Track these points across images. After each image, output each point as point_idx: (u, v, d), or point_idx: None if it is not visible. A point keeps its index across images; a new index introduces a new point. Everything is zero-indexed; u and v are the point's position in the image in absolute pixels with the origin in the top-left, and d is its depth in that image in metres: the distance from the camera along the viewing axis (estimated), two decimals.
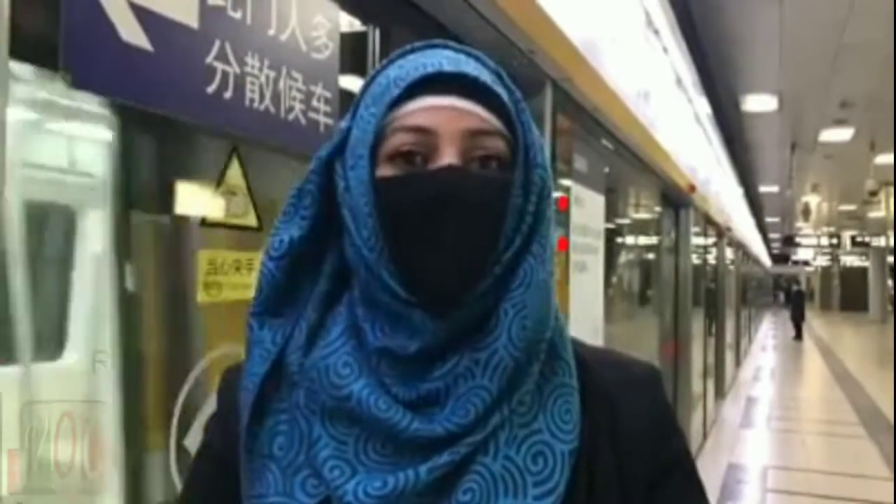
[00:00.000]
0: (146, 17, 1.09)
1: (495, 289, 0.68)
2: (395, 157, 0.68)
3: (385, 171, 0.68)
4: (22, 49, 0.93)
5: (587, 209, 3.31)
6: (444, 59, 0.70)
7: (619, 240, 5.14)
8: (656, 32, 4.55)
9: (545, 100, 2.61)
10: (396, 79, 0.69)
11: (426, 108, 0.68)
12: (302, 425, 0.70)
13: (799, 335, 22.05)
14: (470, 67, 0.70)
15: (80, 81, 0.98)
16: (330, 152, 0.72)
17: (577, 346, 0.78)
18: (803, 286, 34.14)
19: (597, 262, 3.49)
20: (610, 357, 0.81)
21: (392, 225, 0.67)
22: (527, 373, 0.69)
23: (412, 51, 0.73)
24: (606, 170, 3.89)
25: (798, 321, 22.48)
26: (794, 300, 23.78)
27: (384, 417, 0.65)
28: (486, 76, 0.70)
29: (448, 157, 0.67)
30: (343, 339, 0.70)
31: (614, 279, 4.95)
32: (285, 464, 0.69)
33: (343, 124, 0.73)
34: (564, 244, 2.93)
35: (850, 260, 38.80)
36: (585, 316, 3.21)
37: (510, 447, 0.67)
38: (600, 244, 3.57)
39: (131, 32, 1.06)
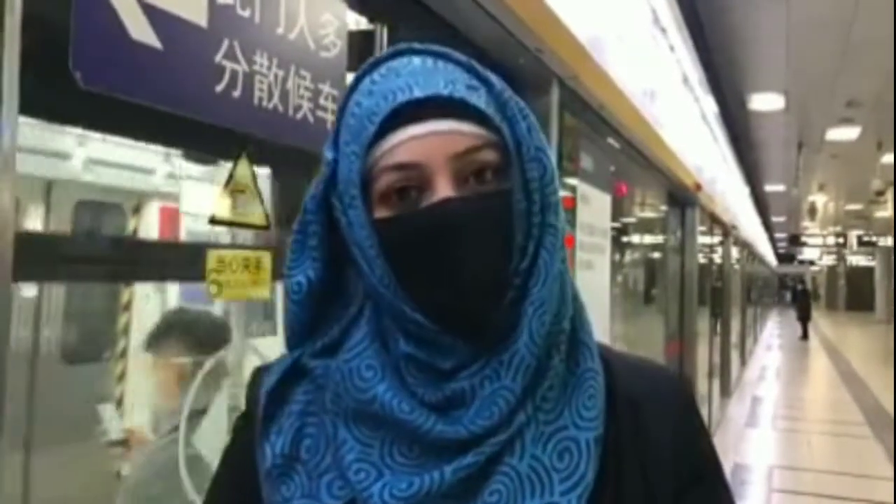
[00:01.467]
0: (156, 16, 1.09)
1: (518, 295, 0.67)
2: (388, 196, 0.67)
3: (382, 211, 0.68)
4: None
5: (593, 208, 3.30)
6: (412, 79, 0.67)
7: (625, 238, 5.13)
8: (663, 31, 4.55)
9: (552, 98, 2.61)
10: (369, 113, 0.67)
11: (407, 141, 0.66)
12: (328, 428, 0.70)
13: (805, 335, 22.01)
14: (440, 82, 0.67)
15: (90, 80, 0.98)
16: (322, 188, 0.71)
17: (602, 349, 0.77)
18: (809, 286, 34.06)
19: (603, 261, 3.49)
20: (635, 362, 0.80)
21: (401, 266, 0.67)
22: (548, 367, 0.68)
23: (378, 64, 0.71)
24: (612, 168, 3.89)
25: (804, 321, 22.46)
26: (799, 300, 23.74)
27: (408, 420, 0.66)
28: (459, 84, 0.68)
29: (441, 188, 0.66)
30: (366, 342, 0.70)
31: (620, 278, 4.94)
32: (311, 466, 0.70)
33: (328, 154, 0.71)
34: (571, 241, 2.92)
35: (857, 259, 38.68)
36: (592, 315, 3.19)
37: (536, 446, 0.67)
38: (607, 243, 3.56)
39: (141, 31, 1.07)
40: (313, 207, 0.71)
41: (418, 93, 0.66)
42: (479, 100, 0.68)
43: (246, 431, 0.77)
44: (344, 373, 0.69)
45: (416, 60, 0.70)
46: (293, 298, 0.73)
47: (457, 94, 0.67)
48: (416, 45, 0.72)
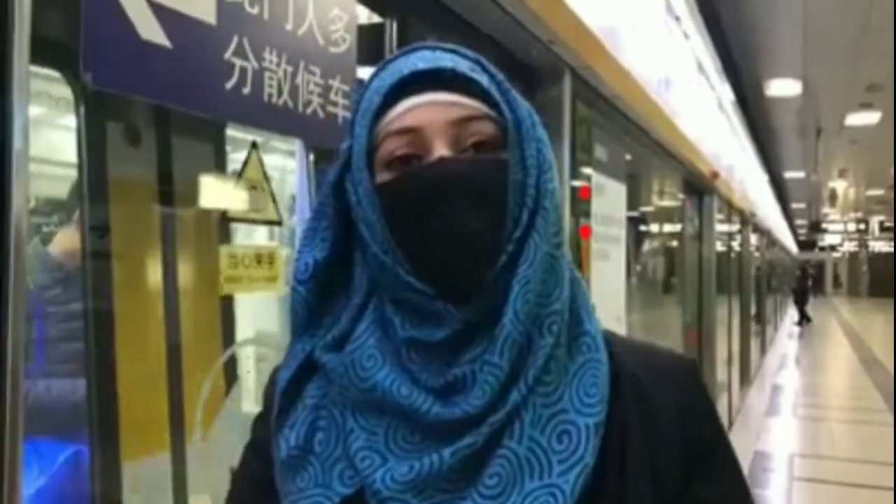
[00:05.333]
0: (165, 15, 1.10)
1: (509, 270, 0.68)
2: (391, 163, 0.70)
3: (384, 177, 0.70)
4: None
5: (608, 198, 3.29)
6: (419, 59, 0.72)
7: (642, 227, 5.11)
8: (677, 19, 4.51)
9: (564, 88, 2.60)
10: (377, 89, 0.71)
11: (409, 109, 0.70)
12: (338, 420, 0.72)
13: (801, 320, 21.43)
14: (446, 61, 0.71)
15: (100, 79, 1.00)
16: (338, 173, 0.74)
17: (609, 334, 0.78)
18: (819, 271, 33.54)
19: (619, 252, 3.48)
20: (642, 347, 0.81)
21: (399, 225, 0.69)
22: (538, 346, 0.69)
23: (392, 59, 0.75)
24: (628, 157, 3.87)
25: (801, 304, 21.93)
26: (798, 283, 23.23)
27: (406, 403, 0.67)
28: (463, 66, 0.71)
29: (439, 150, 0.69)
30: (368, 333, 0.72)
31: (637, 267, 4.93)
32: (324, 457, 0.71)
33: (345, 144, 0.75)
34: (587, 232, 2.92)
35: (879, 245, 38.28)
36: (607, 305, 3.20)
37: (535, 428, 0.67)
38: (622, 233, 3.55)
39: (150, 30, 1.08)
40: (328, 192, 0.74)
41: (422, 66, 0.70)
42: (482, 80, 0.71)
43: (263, 428, 0.79)
44: (347, 364, 0.71)
45: (426, 52, 0.74)
46: (299, 279, 0.74)
47: (459, 69, 0.71)
48: (428, 44, 0.75)
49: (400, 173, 0.70)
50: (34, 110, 2.78)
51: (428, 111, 0.69)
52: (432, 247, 0.68)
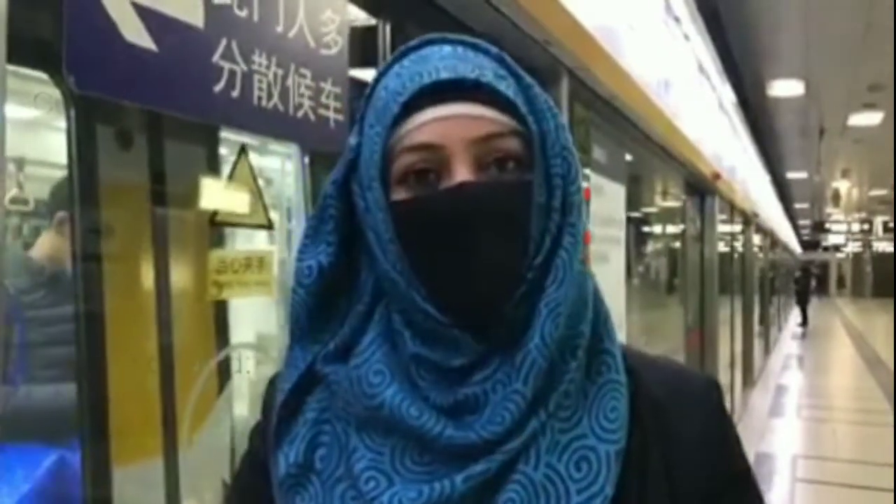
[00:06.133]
0: (150, 18, 1.09)
1: (531, 292, 0.65)
2: (406, 178, 0.66)
3: (399, 193, 0.66)
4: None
5: (607, 199, 3.28)
6: (440, 63, 0.67)
7: (643, 228, 5.10)
8: (676, 20, 4.50)
9: (561, 89, 2.59)
10: (395, 93, 0.66)
11: (429, 122, 0.65)
12: (341, 437, 0.68)
13: (805, 320, 21.24)
14: (468, 67, 0.66)
15: (84, 83, 0.98)
16: (344, 173, 0.70)
17: (628, 350, 0.74)
18: (826, 271, 33.43)
19: (618, 253, 3.47)
20: (662, 365, 0.77)
21: (415, 250, 0.65)
22: (562, 371, 0.65)
23: (409, 51, 0.70)
24: (628, 158, 3.86)
25: (803, 305, 21.71)
26: (800, 283, 22.98)
27: (416, 425, 0.64)
28: (487, 71, 0.67)
29: (460, 172, 0.64)
30: (375, 345, 0.68)
31: (639, 268, 4.91)
32: (326, 476, 0.68)
33: (352, 140, 0.70)
34: (589, 237, 2.91)
35: (883, 246, 38.18)
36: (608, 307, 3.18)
37: (552, 454, 0.64)
38: (621, 235, 3.54)
39: (135, 33, 1.06)
40: (333, 192, 0.70)
41: (445, 75, 0.65)
42: (508, 89, 0.67)
43: (261, 440, 0.76)
44: (353, 379, 0.67)
45: (447, 48, 0.69)
46: (302, 283, 0.71)
47: (484, 79, 0.66)
48: (449, 35, 0.71)
49: (417, 196, 0.65)
50: (30, 112, 2.78)
51: (451, 126, 0.65)
52: (450, 278, 0.64)
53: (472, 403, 0.64)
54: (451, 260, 0.64)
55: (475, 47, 0.70)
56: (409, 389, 0.65)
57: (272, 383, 0.78)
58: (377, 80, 0.71)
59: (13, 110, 2.87)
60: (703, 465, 0.70)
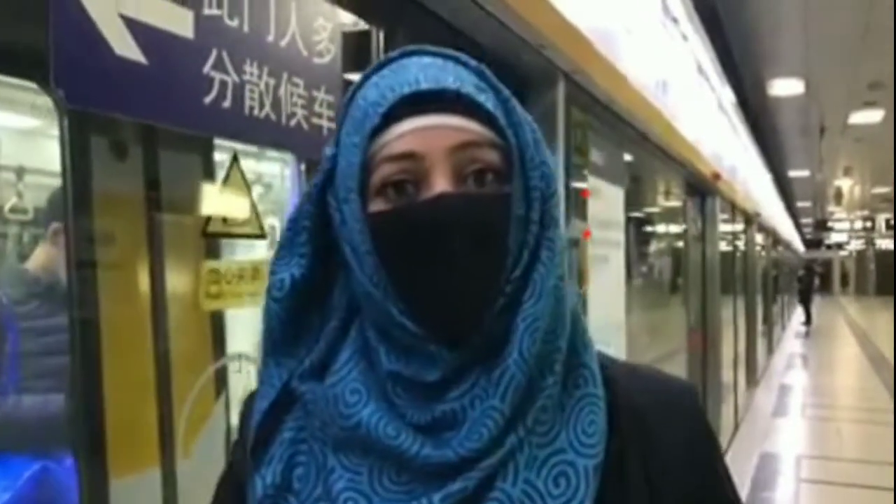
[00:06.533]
0: (139, 30, 1.09)
1: (509, 306, 0.65)
2: (385, 189, 0.65)
3: (377, 205, 0.66)
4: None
5: (606, 202, 3.28)
6: (420, 73, 0.66)
7: (643, 230, 5.09)
8: (674, 20, 4.50)
9: (558, 93, 2.59)
10: (374, 104, 0.66)
11: (408, 132, 0.65)
12: (318, 456, 0.68)
13: (808, 319, 21.09)
14: (449, 78, 0.66)
15: (73, 98, 0.99)
16: (320, 184, 0.69)
17: (606, 361, 0.74)
18: (835, 268, 33.36)
19: (618, 255, 3.46)
20: (641, 374, 0.77)
21: (393, 262, 0.64)
22: (539, 388, 0.65)
23: (388, 62, 0.70)
24: (627, 159, 3.86)
25: (807, 304, 21.59)
26: (803, 281, 22.83)
27: (394, 444, 0.63)
28: (467, 83, 0.67)
29: (439, 183, 0.64)
30: (351, 364, 0.68)
31: (641, 269, 4.91)
32: (304, 496, 0.68)
33: (328, 151, 0.70)
34: (588, 234, 2.90)
35: (886, 243, 38.11)
36: (606, 310, 3.18)
37: (530, 470, 0.64)
38: (621, 237, 3.54)
39: (124, 46, 1.07)
40: (308, 204, 0.70)
41: (425, 85, 0.65)
42: (487, 101, 0.67)
43: (238, 462, 0.75)
44: (329, 399, 0.67)
45: (427, 59, 0.69)
46: (275, 296, 0.70)
47: (463, 90, 0.66)
48: (428, 47, 0.71)
49: (395, 207, 0.65)
50: (29, 122, 2.76)
51: (429, 135, 0.64)
52: (428, 291, 0.64)
53: (449, 420, 0.64)
54: (429, 272, 0.64)
55: (455, 59, 0.70)
56: (385, 408, 0.65)
57: (247, 403, 0.78)
58: (355, 91, 0.70)
59: (11, 119, 2.88)
60: (685, 467, 0.70)
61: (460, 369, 0.65)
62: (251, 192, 1.35)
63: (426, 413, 0.64)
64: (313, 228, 0.70)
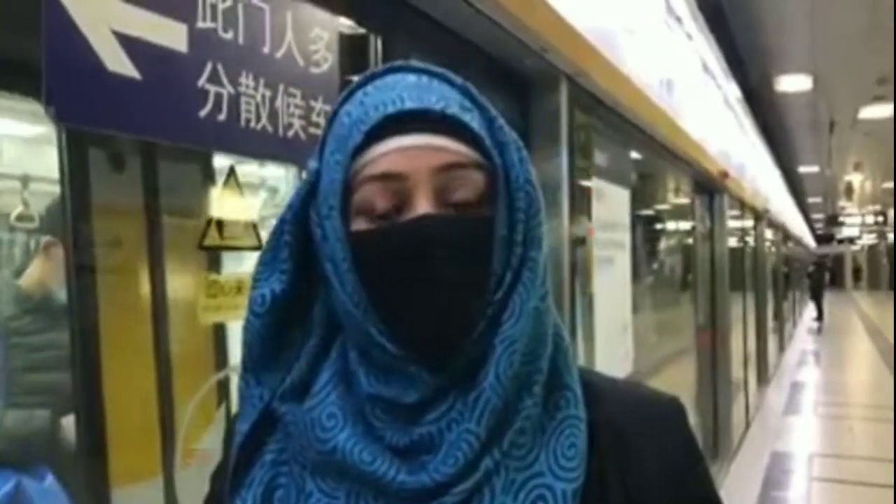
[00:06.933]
0: (132, 46, 1.09)
1: (488, 327, 0.64)
2: (367, 208, 0.65)
3: (359, 224, 0.65)
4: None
5: (610, 204, 3.27)
6: (405, 91, 0.66)
7: (651, 229, 5.08)
8: (678, 20, 4.48)
9: (560, 96, 2.58)
10: (357, 121, 0.65)
11: (392, 152, 0.64)
12: (298, 479, 0.68)
13: (820, 315, 20.96)
14: (434, 97, 0.66)
15: (65, 115, 0.99)
16: (302, 198, 0.69)
17: (589, 375, 0.73)
18: (847, 263, 33.11)
19: (623, 257, 3.45)
20: (624, 389, 0.77)
21: (373, 282, 0.64)
22: (516, 410, 0.64)
23: (373, 78, 0.70)
24: (632, 160, 3.85)
25: (818, 299, 21.45)
26: (813, 277, 22.69)
27: (369, 470, 0.63)
28: (453, 102, 0.66)
29: (422, 204, 0.63)
30: (329, 387, 0.68)
31: (650, 268, 4.89)
32: None
33: (312, 164, 0.69)
34: (592, 232, 2.90)
35: None
36: (612, 312, 3.17)
37: (507, 494, 0.63)
38: (626, 238, 3.52)
39: (117, 62, 1.06)
40: (290, 219, 0.69)
41: (409, 105, 0.65)
42: (473, 121, 0.66)
43: (220, 484, 0.75)
44: (306, 423, 0.66)
45: (411, 77, 0.69)
46: (255, 311, 0.70)
47: (449, 110, 0.65)
48: (413, 63, 0.71)
49: (377, 227, 0.64)
50: (35, 129, 2.78)
51: (413, 155, 0.64)
52: (409, 312, 0.63)
53: (427, 443, 0.63)
54: (411, 293, 0.63)
55: (440, 77, 0.70)
56: (362, 433, 0.65)
57: (231, 425, 0.77)
58: (339, 106, 0.70)
59: (16, 127, 2.89)
60: (664, 479, 0.69)
61: (438, 391, 0.64)
62: (250, 204, 1.35)
63: (405, 436, 0.64)
64: (294, 243, 0.70)
